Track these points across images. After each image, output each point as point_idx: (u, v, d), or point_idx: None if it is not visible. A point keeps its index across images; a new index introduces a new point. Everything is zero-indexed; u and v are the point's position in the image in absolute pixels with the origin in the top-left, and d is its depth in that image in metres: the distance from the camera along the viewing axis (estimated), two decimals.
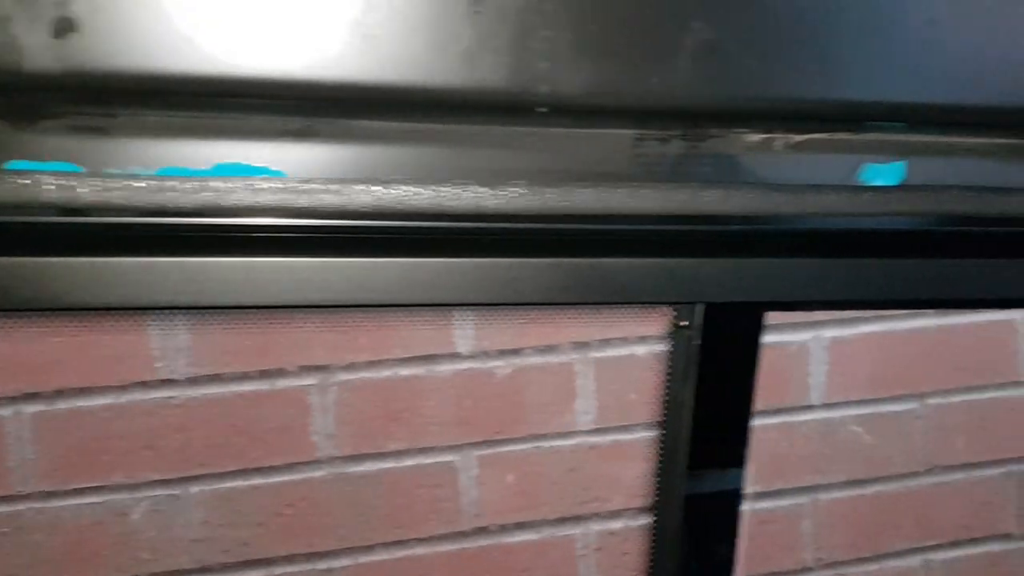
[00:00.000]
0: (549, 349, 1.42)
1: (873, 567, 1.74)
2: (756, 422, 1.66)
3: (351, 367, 1.38)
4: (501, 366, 1.43)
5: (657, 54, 0.61)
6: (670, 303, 0.70)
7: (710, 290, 0.67)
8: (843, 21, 0.67)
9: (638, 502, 1.28)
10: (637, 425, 1.37)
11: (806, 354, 1.67)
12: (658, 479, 0.74)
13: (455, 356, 1.42)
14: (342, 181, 0.64)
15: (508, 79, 0.57)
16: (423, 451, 1.43)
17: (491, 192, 0.63)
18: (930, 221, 0.75)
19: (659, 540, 0.72)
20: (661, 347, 1.10)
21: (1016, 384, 1.77)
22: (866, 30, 0.67)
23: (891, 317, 1.70)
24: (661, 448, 0.72)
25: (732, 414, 0.70)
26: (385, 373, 1.40)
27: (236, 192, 0.63)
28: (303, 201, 0.64)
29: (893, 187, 0.70)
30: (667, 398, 0.70)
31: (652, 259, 0.68)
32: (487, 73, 0.58)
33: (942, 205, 0.70)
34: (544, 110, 0.58)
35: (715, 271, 0.68)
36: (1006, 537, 1.81)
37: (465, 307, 1.19)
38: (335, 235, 0.70)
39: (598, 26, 0.60)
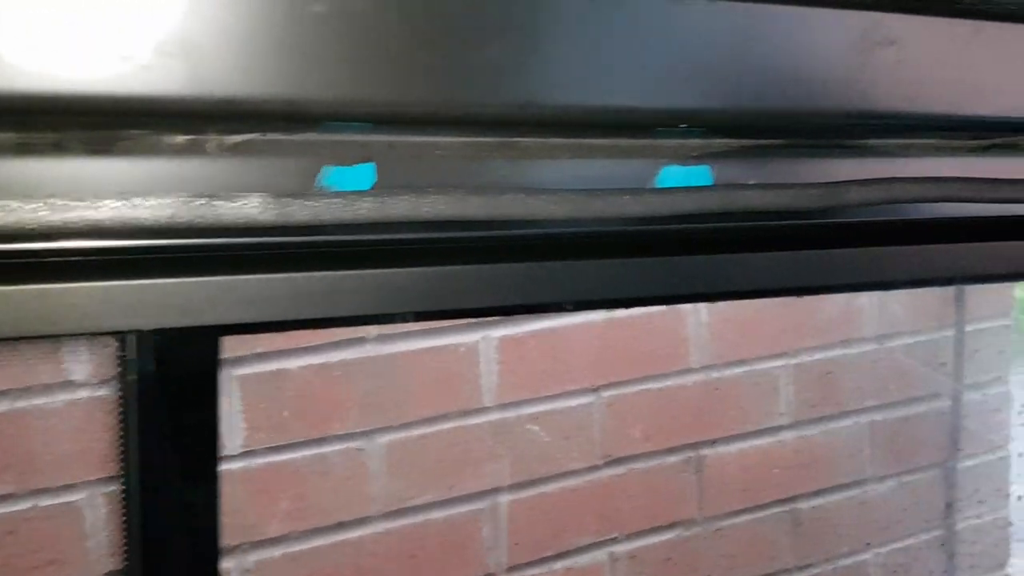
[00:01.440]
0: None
1: (559, 565, 1.73)
2: (427, 429, 1.60)
3: None
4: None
5: None
6: (98, 334, 0.61)
7: (136, 317, 0.58)
8: (297, 14, 0.59)
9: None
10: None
11: (476, 355, 1.62)
12: (123, 538, 0.65)
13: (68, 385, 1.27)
14: None
15: None
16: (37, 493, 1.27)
17: None
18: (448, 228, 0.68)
19: None
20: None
21: (688, 371, 1.80)
22: (319, 22, 0.59)
23: (559, 313, 1.68)
24: (121, 506, 0.63)
25: (191, 455, 0.62)
26: None
27: None
28: None
29: (364, 192, 0.63)
30: (120, 446, 0.61)
31: (73, 284, 0.58)
32: None
33: (419, 209, 0.64)
34: None
35: (146, 295, 0.59)
36: (689, 522, 1.84)
37: None
38: None
39: None
